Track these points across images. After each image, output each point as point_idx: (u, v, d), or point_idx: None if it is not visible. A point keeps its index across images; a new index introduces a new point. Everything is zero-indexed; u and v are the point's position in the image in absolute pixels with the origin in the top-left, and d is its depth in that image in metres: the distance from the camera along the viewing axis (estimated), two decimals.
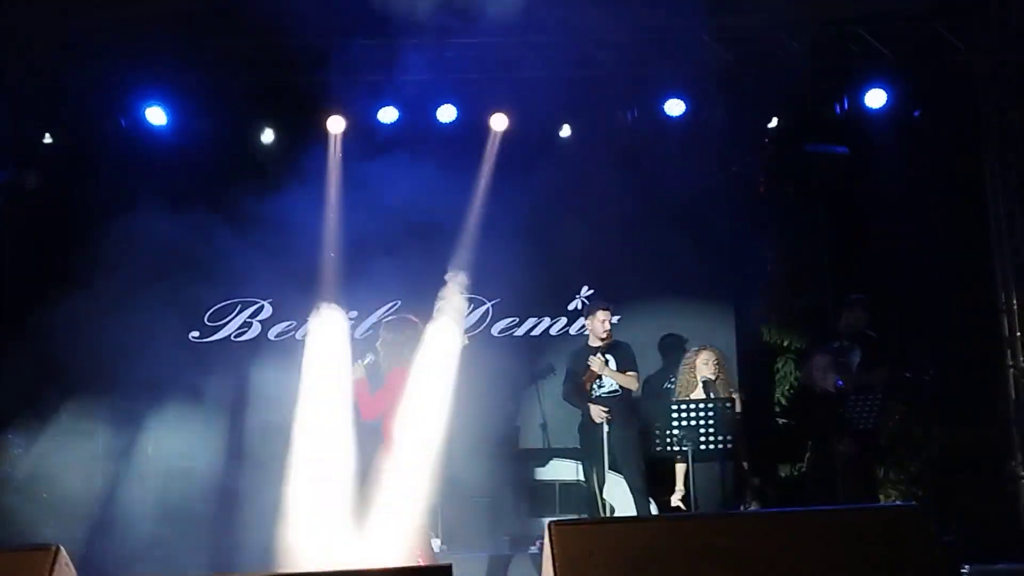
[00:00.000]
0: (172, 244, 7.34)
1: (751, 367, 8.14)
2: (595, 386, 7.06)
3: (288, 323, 8.04)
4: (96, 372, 7.16)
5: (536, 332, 8.20)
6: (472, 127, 7.67)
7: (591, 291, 8.09)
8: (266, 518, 6.56)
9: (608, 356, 7.08)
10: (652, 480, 7.03)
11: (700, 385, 6.71)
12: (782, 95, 7.94)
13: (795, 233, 8.28)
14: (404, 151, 7.36)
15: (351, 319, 7.41)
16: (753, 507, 6.99)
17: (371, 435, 6.57)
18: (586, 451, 7.17)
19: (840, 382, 7.19)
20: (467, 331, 7.12)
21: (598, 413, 6.97)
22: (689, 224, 7.89)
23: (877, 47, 7.83)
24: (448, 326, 6.77)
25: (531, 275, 7.64)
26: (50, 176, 7.98)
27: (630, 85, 7.94)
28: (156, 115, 7.73)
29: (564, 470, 7.71)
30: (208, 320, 8.05)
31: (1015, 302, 7.76)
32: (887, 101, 7.90)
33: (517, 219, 7.46)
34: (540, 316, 8.20)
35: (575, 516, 7.25)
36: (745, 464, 6.87)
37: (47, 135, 7.82)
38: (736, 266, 8.19)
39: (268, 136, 7.96)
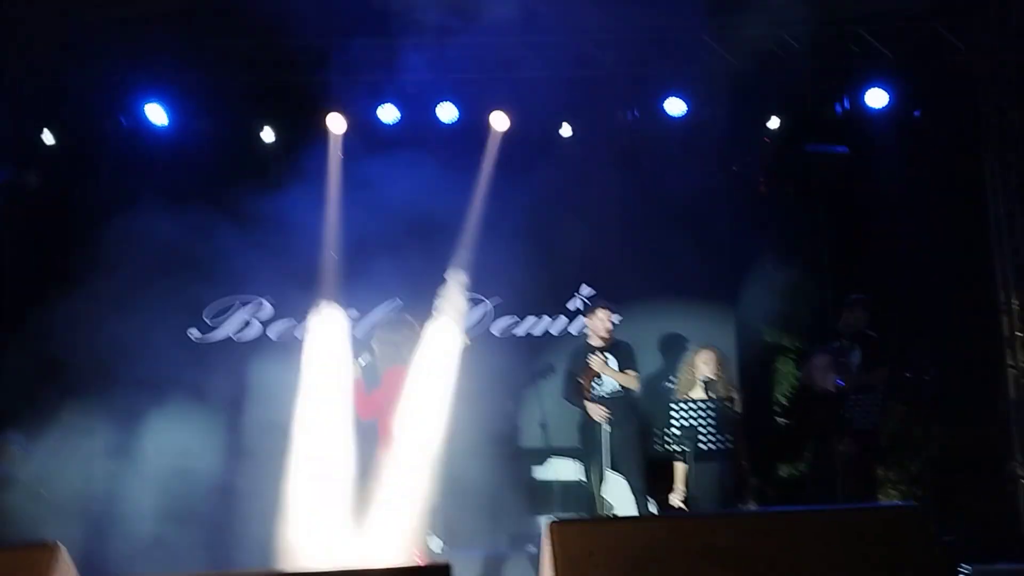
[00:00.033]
0: (172, 243, 7.35)
1: (751, 367, 8.14)
2: (595, 385, 7.06)
3: (288, 322, 8.04)
4: (96, 371, 7.17)
5: (536, 331, 8.20)
6: (472, 127, 7.67)
7: (593, 292, 8.08)
8: (266, 516, 6.57)
9: (608, 355, 7.08)
10: (652, 480, 7.03)
11: (700, 385, 6.72)
12: (782, 95, 7.95)
13: (795, 233, 8.27)
14: (404, 150, 7.36)
15: (351, 318, 7.41)
16: (752, 507, 6.99)
17: (370, 434, 6.59)
18: (586, 450, 7.17)
19: (840, 382, 7.19)
20: (467, 330, 7.12)
21: (598, 413, 6.97)
22: (689, 224, 7.89)
23: (877, 47, 7.84)
24: (448, 325, 6.77)
25: (531, 274, 7.66)
26: (50, 176, 7.98)
27: (630, 85, 7.95)
28: (157, 114, 7.73)
29: (564, 469, 7.71)
30: (208, 319, 8.06)
31: (1015, 302, 7.77)
32: (887, 101, 7.90)
33: (517, 218, 7.47)
34: (540, 315, 8.20)
35: (575, 515, 7.25)
36: (745, 464, 6.88)
37: (47, 135, 7.82)
38: (736, 266, 8.18)
39: (268, 135, 7.96)
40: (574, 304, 8.18)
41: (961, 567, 6.20)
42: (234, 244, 7.19)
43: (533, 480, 7.81)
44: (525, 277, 7.57)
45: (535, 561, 6.26)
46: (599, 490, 6.98)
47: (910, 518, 3.91)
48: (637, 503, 6.97)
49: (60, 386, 7.32)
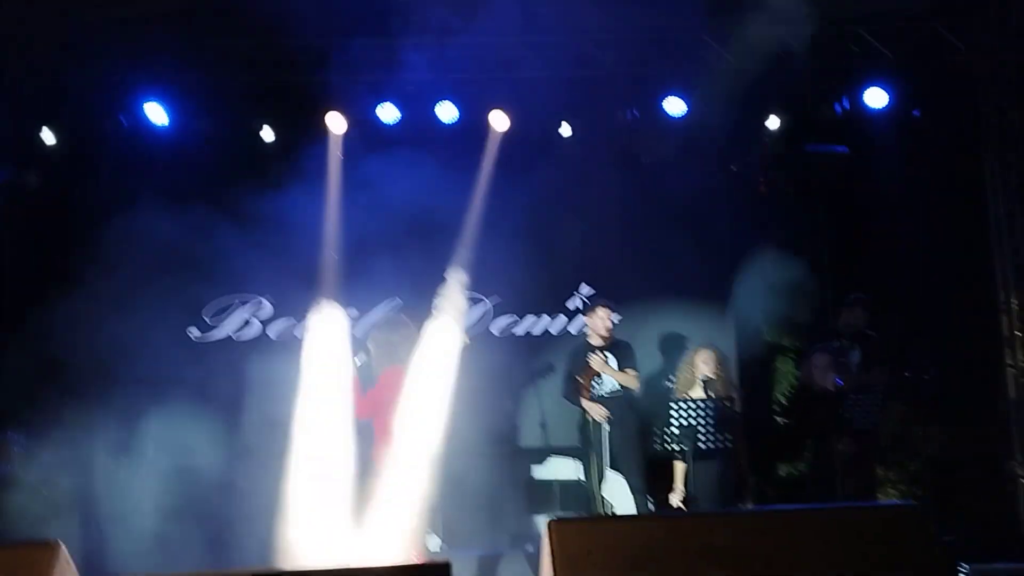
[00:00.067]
0: (172, 243, 7.35)
1: (750, 366, 8.14)
2: (595, 385, 7.06)
3: (288, 321, 8.04)
4: (96, 371, 7.17)
5: (536, 331, 8.19)
6: (472, 126, 7.67)
7: (592, 291, 8.08)
8: (266, 514, 6.59)
9: (608, 355, 7.08)
10: (651, 479, 7.04)
11: (700, 384, 6.72)
12: (782, 95, 7.94)
13: (795, 233, 8.27)
14: (404, 150, 7.36)
15: (351, 317, 7.42)
16: (751, 506, 6.99)
17: (369, 433, 6.60)
18: (585, 450, 7.17)
19: (840, 381, 7.19)
20: (466, 330, 7.12)
21: (598, 412, 6.97)
22: (689, 224, 7.89)
23: (877, 47, 7.84)
24: (448, 325, 6.78)
25: (531, 274, 7.66)
26: (50, 176, 7.97)
27: (630, 85, 7.95)
28: (157, 114, 7.74)
29: (563, 469, 7.71)
30: (208, 318, 8.06)
31: (1015, 302, 7.76)
32: (887, 101, 7.90)
33: (517, 218, 7.47)
34: (540, 315, 8.20)
35: (574, 515, 7.25)
36: (744, 463, 6.88)
37: (47, 134, 7.82)
38: (736, 266, 8.18)
39: (269, 135, 7.96)
40: (574, 303, 8.18)
41: (961, 567, 6.20)
42: (234, 244, 7.19)
43: (532, 479, 7.81)
44: (525, 276, 7.58)
45: (534, 560, 6.26)
46: (598, 489, 6.98)
47: (910, 517, 3.91)
48: (636, 502, 6.98)
49: (60, 386, 7.32)
